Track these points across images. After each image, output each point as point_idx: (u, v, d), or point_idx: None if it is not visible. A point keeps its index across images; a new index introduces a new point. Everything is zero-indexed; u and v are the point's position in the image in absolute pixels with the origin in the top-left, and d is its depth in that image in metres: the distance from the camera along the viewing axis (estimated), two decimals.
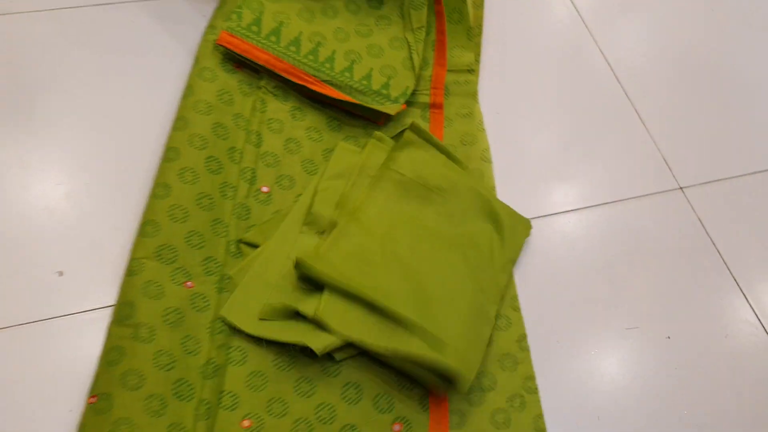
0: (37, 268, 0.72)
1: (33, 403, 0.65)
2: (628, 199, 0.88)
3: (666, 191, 0.90)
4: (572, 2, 1.06)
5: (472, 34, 0.94)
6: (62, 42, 0.87)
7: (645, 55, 1.03)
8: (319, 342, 0.68)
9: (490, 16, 1.01)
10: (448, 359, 0.68)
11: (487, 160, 0.88)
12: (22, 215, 0.74)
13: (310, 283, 0.72)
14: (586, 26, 1.03)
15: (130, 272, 0.70)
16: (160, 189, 0.75)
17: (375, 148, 0.84)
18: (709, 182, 0.92)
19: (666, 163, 0.92)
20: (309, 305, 0.70)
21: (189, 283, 0.71)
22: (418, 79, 0.89)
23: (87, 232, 0.74)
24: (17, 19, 0.88)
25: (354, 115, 0.86)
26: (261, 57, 0.85)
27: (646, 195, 0.89)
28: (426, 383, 0.70)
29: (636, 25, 1.07)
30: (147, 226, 0.73)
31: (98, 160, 0.79)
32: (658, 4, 1.11)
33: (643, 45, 1.04)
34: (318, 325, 0.69)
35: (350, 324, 0.69)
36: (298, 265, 0.71)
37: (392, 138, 0.85)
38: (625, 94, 0.98)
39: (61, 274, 0.72)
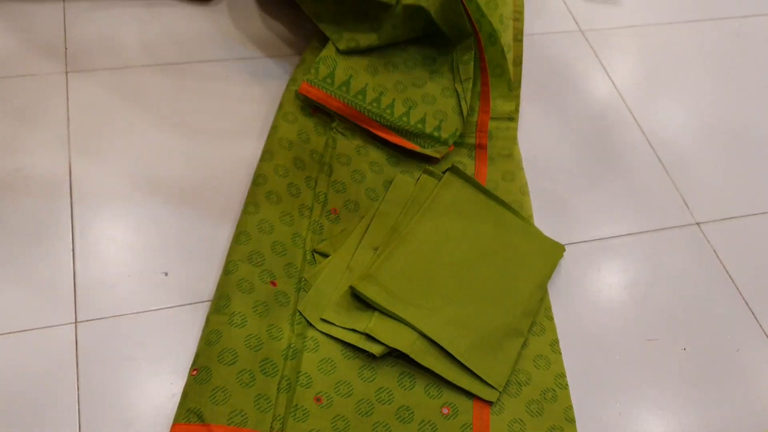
0: (148, 269, 0.87)
1: (141, 376, 0.79)
2: (649, 231, 1.01)
3: (683, 226, 1.02)
4: (607, 74, 1.21)
5: (513, 87, 1.09)
6: (175, 88, 1.05)
7: (669, 110, 1.16)
8: (375, 347, 0.82)
9: (532, 76, 1.16)
10: (473, 384, 0.82)
11: (525, 193, 1.01)
12: (137, 226, 0.91)
13: (363, 300, 0.86)
14: (617, 90, 1.18)
15: (226, 272, 0.85)
16: (251, 207, 0.91)
17: (426, 181, 0.99)
18: (724, 219, 1.03)
19: (684, 200, 1.04)
20: (362, 321, 0.84)
21: (274, 282, 0.86)
22: (466, 123, 1.04)
23: (189, 240, 0.90)
24: (133, 72, 1.07)
25: (410, 153, 1.02)
26: (333, 104, 1.01)
27: (665, 228, 1.01)
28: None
29: (667, 91, 1.20)
30: (241, 236, 0.88)
31: (201, 182, 0.96)
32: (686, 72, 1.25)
33: (664, 97, 1.18)
34: (370, 338, 0.83)
35: (396, 338, 0.83)
36: (353, 289, 0.85)
37: (442, 173, 0.99)
38: (648, 141, 1.11)
39: (166, 274, 0.87)
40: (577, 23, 1.26)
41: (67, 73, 1.05)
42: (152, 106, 1.03)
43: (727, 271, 0.98)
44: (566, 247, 0.96)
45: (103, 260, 0.87)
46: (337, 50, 1.05)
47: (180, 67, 1.09)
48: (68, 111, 1.00)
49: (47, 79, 1.03)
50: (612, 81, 1.19)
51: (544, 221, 0.99)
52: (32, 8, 1.11)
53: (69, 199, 0.92)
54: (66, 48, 1.08)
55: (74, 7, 1.13)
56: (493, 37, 1.08)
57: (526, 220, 0.97)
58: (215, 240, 0.90)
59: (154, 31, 1.12)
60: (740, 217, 1.04)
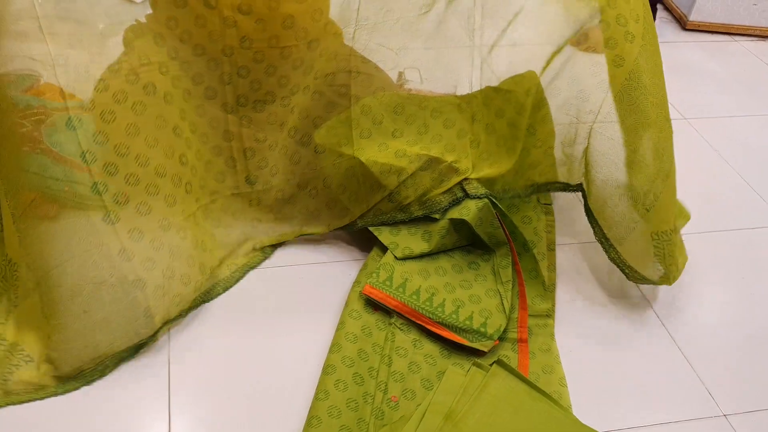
0: None
1: None
2: (678, 422, 1.10)
3: (711, 417, 1.11)
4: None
5: (548, 289, 1.25)
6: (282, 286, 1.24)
7: (691, 310, 1.30)
8: None
9: (565, 280, 1.32)
10: None
11: (563, 385, 1.13)
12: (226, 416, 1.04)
13: None
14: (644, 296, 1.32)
15: None
16: (321, 394, 1.04)
17: (476, 372, 1.11)
18: (752, 411, 1.12)
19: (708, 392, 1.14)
20: None
21: None
22: (509, 320, 1.19)
23: (269, 426, 1.03)
24: None
25: (460, 346, 1.15)
26: (392, 303, 1.17)
27: (692, 419, 1.10)
28: None
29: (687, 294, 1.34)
30: (312, 420, 1.00)
31: (275, 369, 1.10)
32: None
33: (685, 299, 1.32)
34: None
35: None
36: None
37: (489, 365, 1.12)
38: (671, 336, 1.23)
39: None
40: None
41: None
42: (241, 307, 1.21)
43: None
44: None
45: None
46: (395, 257, 1.24)
47: (268, 270, 1.29)
48: None
49: None
50: (641, 291, 1.33)
51: (581, 410, 1.10)
52: None
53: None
54: None
55: None
56: (527, 245, 1.26)
57: (566, 409, 1.08)
58: (290, 424, 1.03)
59: None
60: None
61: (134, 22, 1.24)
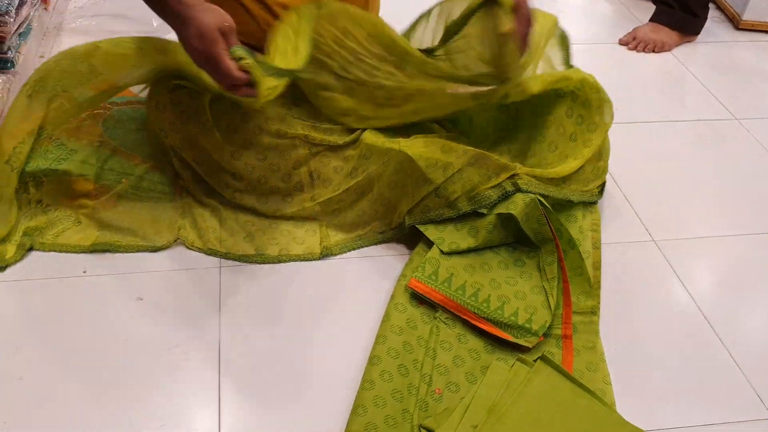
0: None
1: None
2: (724, 423, 1.09)
3: (759, 420, 1.10)
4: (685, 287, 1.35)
5: (593, 287, 1.25)
6: (308, 283, 1.27)
7: (744, 317, 1.28)
8: None
9: (610, 279, 1.31)
10: None
11: (608, 383, 1.13)
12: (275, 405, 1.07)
13: None
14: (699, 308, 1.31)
15: None
16: (367, 384, 1.06)
17: (520, 368, 1.12)
18: None
19: (759, 398, 1.13)
20: None
21: None
22: (554, 316, 1.19)
23: (317, 413, 1.05)
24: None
25: (505, 342, 1.16)
26: (437, 297, 1.19)
27: (740, 422, 1.09)
28: None
29: (741, 299, 1.32)
30: (358, 409, 1.02)
31: (321, 359, 1.13)
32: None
33: (738, 305, 1.30)
34: None
35: None
36: None
37: (533, 361, 1.13)
38: (722, 343, 1.22)
39: None
40: (649, 233, 1.43)
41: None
42: (289, 297, 1.24)
43: None
44: None
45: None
46: (441, 252, 1.25)
47: (316, 263, 1.33)
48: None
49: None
50: (687, 290, 1.32)
51: (624, 409, 1.09)
52: None
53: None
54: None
55: None
56: (572, 242, 1.26)
57: (610, 406, 1.08)
58: (338, 411, 1.06)
59: None
60: None
61: None
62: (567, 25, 1.48)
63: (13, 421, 1.01)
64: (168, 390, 1.07)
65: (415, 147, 1.29)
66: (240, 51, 1.06)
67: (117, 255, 1.29)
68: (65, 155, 1.36)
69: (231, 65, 1.04)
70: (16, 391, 1.05)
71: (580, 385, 1.10)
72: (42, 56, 1.83)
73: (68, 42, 1.87)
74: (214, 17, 1.05)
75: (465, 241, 1.27)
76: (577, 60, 1.48)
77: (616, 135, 1.58)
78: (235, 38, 1.08)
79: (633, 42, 2.11)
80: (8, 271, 1.24)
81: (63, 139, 1.38)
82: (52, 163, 1.33)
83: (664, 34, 2.10)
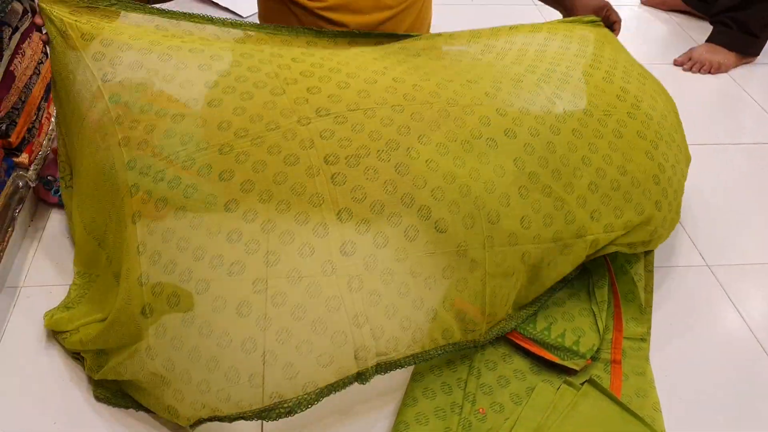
0: None
1: None
2: None
3: None
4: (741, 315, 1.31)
5: (644, 312, 1.22)
6: None
7: None
8: None
9: (663, 305, 1.28)
10: None
11: (657, 410, 1.09)
12: None
13: None
14: (756, 338, 1.26)
15: None
16: (410, 400, 1.05)
17: (566, 390, 1.10)
18: None
19: None
20: None
21: None
22: (602, 340, 1.16)
23: (358, 426, 1.05)
24: None
25: (551, 363, 1.14)
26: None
27: None
28: None
29: None
30: (400, 425, 1.02)
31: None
32: None
33: None
34: None
35: None
36: None
37: (580, 384, 1.10)
38: None
39: None
40: (703, 258, 1.39)
41: None
42: None
43: None
44: None
45: None
46: None
47: None
48: None
49: None
50: (742, 316, 1.28)
51: None
52: None
53: None
54: None
55: None
56: (624, 267, 1.23)
57: None
58: (376, 426, 1.05)
59: None
60: None
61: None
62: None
63: (62, 421, 1.04)
64: None
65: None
66: None
67: None
68: None
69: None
70: (67, 393, 1.08)
71: (630, 411, 1.07)
72: None
73: None
74: None
75: None
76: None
77: None
78: None
79: (689, 63, 2.07)
80: (60, 276, 1.28)
81: None
82: None
83: (722, 55, 2.06)
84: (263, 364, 0.92)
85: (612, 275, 1.22)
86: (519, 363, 1.14)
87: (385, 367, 0.98)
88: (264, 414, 0.92)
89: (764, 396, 1.13)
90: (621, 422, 1.05)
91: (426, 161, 1.03)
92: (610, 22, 1.43)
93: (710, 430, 1.08)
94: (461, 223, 1.02)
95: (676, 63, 2.10)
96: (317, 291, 0.94)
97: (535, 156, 1.09)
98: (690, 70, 2.07)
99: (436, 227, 1.01)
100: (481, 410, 1.07)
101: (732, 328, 1.25)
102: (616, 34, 1.43)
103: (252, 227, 0.96)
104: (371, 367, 0.96)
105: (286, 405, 0.92)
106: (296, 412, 0.93)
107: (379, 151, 1.02)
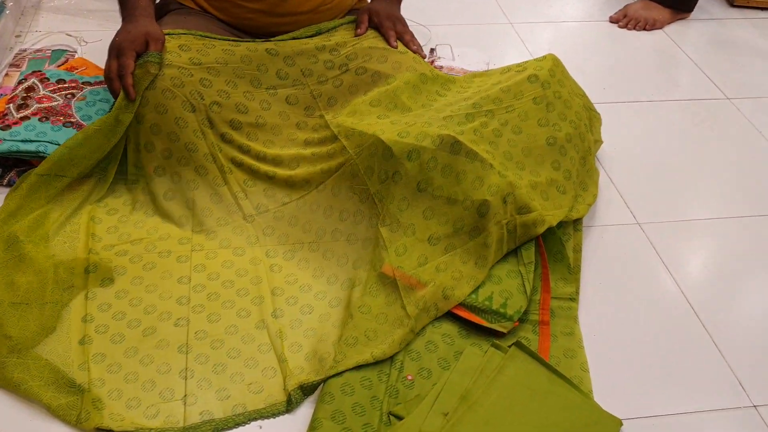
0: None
1: None
2: (704, 411, 1.06)
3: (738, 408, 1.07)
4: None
5: (573, 272, 1.21)
6: None
7: (729, 303, 1.25)
8: None
9: (592, 264, 1.28)
10: None
11: (585, 370, 1.10)
12: None
13: None
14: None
15: (312, 428, 0.96)
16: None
17: (494, 354, 1.09)
18: None
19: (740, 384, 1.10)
20: None
21: None
22: (530, 302, 1.16)
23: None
24: None
25: (479, 327, 1.13)
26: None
27: (720, 409, 1.06)
28: None
29: (727, 285, 1.28)
30: (326, 396, 1.00)
31: None
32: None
33: (724, 291, 1.27)
34: None
35: None
36: None
37: (508, 347, 1.10)
38: (702, 324, 1.19)
39: (261, 427, 0.99)
40: (634, 216, 1.39)
41: None
42: None
43: None
44: (623, 421, 1.02)
45: None
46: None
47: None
48: None
49: None
50: (671, 274, 1.28)
51: (602, 397, 1.06)
52: None
53: None
54: None
55: None
56: (552, 228, 1.22)
57: (586, 394, 1.05)
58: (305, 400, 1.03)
59: None
60: None
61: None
62: (557, 2, 1.43)
63: None
64: None
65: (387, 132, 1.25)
66: (152, 56, 1.26)
67: None
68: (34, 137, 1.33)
69: (123, 63, 1.24)
70: None
71: (556, 373, 1.07)
72: (18, 35, 1.80)
73: (46, 22, 1.83)
74: (152, 27, 1.30)
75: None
76: (567, 38, 1.44)
77: (605, 113, 1.55)
78: (156, 46, 1.28)
79: (624, 19, 2.06)
80: None
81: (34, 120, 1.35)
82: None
83: (657, 11, 2.05)
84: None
85: (539, 235, 1.21)
86: (447, 327, 1.13)
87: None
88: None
89: (691, 354, 1.15)
90: (548, 384, 1.05)
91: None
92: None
93: (637, 389, 1.09)
94: None
95: (612, 20, 2.09)
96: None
97: None
98: (626, 27, 2.06)
99: None
100: (408, 377, 1.06)
101: (661, 286, 1.26)
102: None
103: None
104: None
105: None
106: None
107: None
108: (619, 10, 2.10)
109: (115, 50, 1.27)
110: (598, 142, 1.49)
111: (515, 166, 1.27)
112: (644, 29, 2.05)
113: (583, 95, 1.48)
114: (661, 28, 2.06)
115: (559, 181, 1.29)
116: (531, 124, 1.31)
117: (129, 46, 1.25)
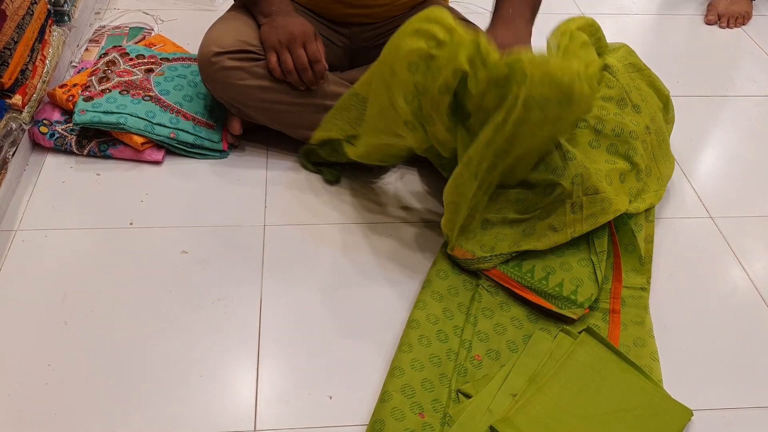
0: (317, 391, 1.02)
1: None
2: None
3: None
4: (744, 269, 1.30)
5: (644, 262, 1.20)
6: (345, 247, 1.25)
7: None
8: None
9: (664, 255, 1.27)
10: None
11: (655, 359, 1.09)
12: (311, 353, 1.06)
13: None
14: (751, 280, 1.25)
15: (382, 400, 0.98)
16: (405, 347, 1.05)
17: (563, 339, 1.09)
18: None
19: None
20: None
21: (422, 414, 0.97)
22: (600, 290, 1.15)
23: (352, 370, 1.04)
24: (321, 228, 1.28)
25: (548, 312, 1.13)
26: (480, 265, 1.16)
27: None
28: None
29: None
30: (395, 370, 1.01)
31: (366, 319, 1.12)
32: None
33: None
34: None
35: None
36: (492, 429, 0.95)
37: (578, 333, 1.09)
38: None
39: (331, 397, 1.01)
40: (707, 210, 1.37)
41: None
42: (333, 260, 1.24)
43: None
44: (694, 412, 1.01)
45: (282, 378, 1.03)
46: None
47: (361, 226, 1.31)
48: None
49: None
50: (744, 268, 1.26)
51: (671, 386, 1.05)
52: None
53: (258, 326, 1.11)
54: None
55: None
56: (624, 218, 1.21)
57: (656, 383, 1.04)
58: (373, 371, 1.05)
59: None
60: None
61: None
62: None
63: (57, 363, 1.03)
64: (208, 341, 1.08)
65: None
66: None
67: (163, 208, 1.30)
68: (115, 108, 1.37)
69: (311, 50, 1.28)
70: (62, 335, 1.07)
71: (626, 360, 1.06)
72: (98, 12, 1.85)
73: (124, 0, 1.88)
74: (307, 24, 1.32)
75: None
76: (641, 32, 1.41)
77: (678, 108, 1.52)
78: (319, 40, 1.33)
79: (722, 18, 2.02)
80: (55, 221, 1.27)
81: (115, 93, 1.40)
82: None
83: (742, 3, 2.02)
84: None
85: (612, 226, 1.20)
86: (516, 311, 1.14)
87: None
88: None
89: (763, 348, 1.13)
90: (617, 370, 1.05)
91: None
92: None
93: (708, 381, 1.07)
94: None
95: (709, 22, 2.04)
96: None
97: None
98: (727, 26, 2.02)
99: None
100: (477, 357, 1.06)
101: (733, 280, 1.24)
102: None
103: None
104: None
105: None
106: None
107: None
108: (709, 11, 2.05)
109: (294, 40, 1.28)
110: (671, 122, 1.44)
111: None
112: (743, 24, 2.01)
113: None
114: (749, 20, 2.03)
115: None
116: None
117: (301, 37, 1.28)
